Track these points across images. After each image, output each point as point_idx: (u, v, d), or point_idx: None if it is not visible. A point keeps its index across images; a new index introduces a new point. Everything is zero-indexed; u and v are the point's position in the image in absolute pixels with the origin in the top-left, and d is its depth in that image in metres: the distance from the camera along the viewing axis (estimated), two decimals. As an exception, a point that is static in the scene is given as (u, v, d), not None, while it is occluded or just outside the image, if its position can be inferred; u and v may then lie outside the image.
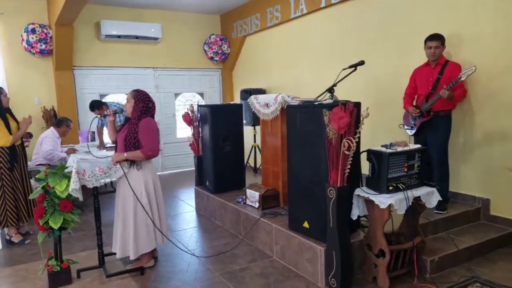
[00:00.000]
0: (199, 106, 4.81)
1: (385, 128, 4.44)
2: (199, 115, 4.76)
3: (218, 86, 8.22)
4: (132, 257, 3.16)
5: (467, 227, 3.65)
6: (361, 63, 3.38)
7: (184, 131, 7.22)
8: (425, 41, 3.63)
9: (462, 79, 3.29)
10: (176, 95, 7.83)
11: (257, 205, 3.88)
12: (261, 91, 6.70)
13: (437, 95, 3.45)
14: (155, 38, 7.14)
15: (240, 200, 4.19)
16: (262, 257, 3.49)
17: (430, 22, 3.99)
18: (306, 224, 3.10)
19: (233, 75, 8.08)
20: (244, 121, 6.07)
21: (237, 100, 7.60)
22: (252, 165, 6.60)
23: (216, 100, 8.13)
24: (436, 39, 3.56)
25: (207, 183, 4.76)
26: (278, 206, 3.91)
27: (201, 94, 8.11)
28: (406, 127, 3.90)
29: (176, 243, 3.77)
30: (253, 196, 3.93)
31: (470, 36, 3.73)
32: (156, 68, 7.47)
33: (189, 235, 4.17)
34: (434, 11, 4.01)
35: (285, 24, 6.26)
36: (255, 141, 6.55)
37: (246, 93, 6.68)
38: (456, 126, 3.83)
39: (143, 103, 3.13)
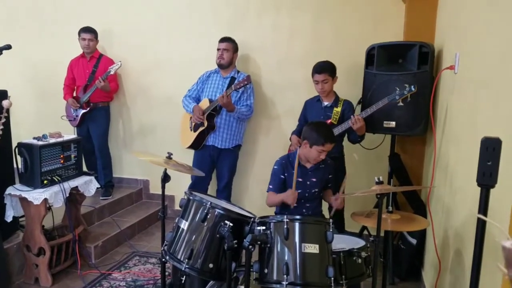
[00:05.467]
0: None
1: (52, 120, 4.16)
2: None
3: None
4: None
5: (131, 208, 4.04)
6: (8, 47, 2.99)
7: None
8: (79, 33, 3.69)
9: (111, 73, 3.55)
10: None
11: None
12: None
13: (94, 86, 3.58)
14: None
15: None
16: None
17: (87, 15, 4.04)
18: None
19: None
20: None
21: None
22: None
23: None
24: (90, 32, 3.67)
25: None
26: None
27: None
28: (68, 118, 3.83)
29: None
30: None
31: (120, 33, 4.06)
32: None
33: None
34: (92, 6, 4.10)
35: None
36: None
37: None
38: (115, 117, 4.14)
39: None
